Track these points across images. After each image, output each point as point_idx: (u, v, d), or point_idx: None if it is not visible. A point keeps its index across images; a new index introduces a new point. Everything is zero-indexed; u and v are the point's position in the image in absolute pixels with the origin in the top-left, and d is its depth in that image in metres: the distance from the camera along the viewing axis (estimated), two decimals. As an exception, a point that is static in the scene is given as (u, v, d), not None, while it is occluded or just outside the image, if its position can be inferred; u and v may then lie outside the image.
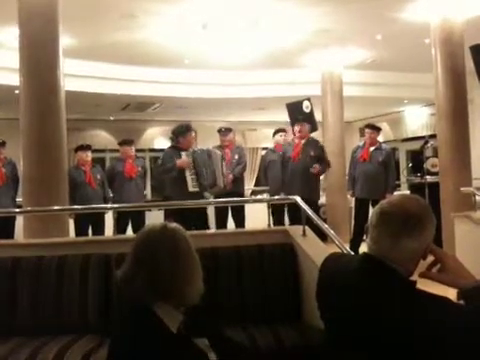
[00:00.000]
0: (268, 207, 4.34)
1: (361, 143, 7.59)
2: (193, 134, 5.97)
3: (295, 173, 6.75)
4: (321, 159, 6.86)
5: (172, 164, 5.65)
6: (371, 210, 7.10)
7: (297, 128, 7.01)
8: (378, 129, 7.41)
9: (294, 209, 4.42)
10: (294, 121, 7.40)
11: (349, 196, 8.17)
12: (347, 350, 1.61)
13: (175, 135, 5.84)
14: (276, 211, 6.63)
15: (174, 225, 1.74)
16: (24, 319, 3.23)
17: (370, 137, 7.20)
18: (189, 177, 5.60)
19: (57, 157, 5.38)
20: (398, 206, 1.61)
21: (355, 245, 6.71)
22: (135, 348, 1.52)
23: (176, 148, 5.80)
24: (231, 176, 6.68)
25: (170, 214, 5.30)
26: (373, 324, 1.51)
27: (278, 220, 6.89)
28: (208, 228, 5.96)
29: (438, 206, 6.88)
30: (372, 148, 7.17)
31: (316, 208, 6.81)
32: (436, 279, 1.62)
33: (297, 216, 4.05)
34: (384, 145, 7.47)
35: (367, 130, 7.32)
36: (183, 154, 5.67)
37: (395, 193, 7.19)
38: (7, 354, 2.82)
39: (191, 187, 5.59)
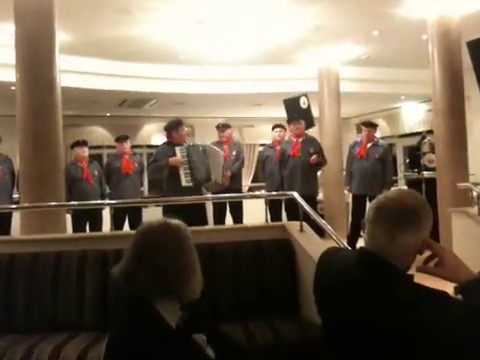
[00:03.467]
0: (266, 203, 4.33)
1: (358, 139, 7.59)
2: (185, 128, 5.94)
3: (295, 170, 6.80)
4: (318, 154, 6.88)
5: (164, 162, 5.61)
6: (368, 206, 7.12)
7: (293, 126, 7.03)
8: (375, 126, 7.41)
9: (292, 205, 4.40)
10: (289, 119, 7.40)
11: (346, 192, 8.17)
12: (345, 345, 1.61)
13: (167, 130, 5.82)
14: (273, 207, 6.63)
15: (175, 222, 1.73)
16: (20, 316, 3.22)
17: (367, 135, 7.20)
18: (182, 172, 5.56)
19: (53, 153, 5.36)
20: (395, 200, 1.61)
21: (352, 241, 6.72)
22: (136, 344, 1.52)
23: (170, 144, 5.77)
24: (229, 172, 6.66)
25: (167, 210, 5.25)
26: (371, 319, 1.51)
27: (276, 216, 6.90)
28: (206, 224, 5.94)
29: (435, 201, 6.90)
30: (369, 144, 7.17)
31: (315, 204, 6.84)
32: (434, 273, 1.62)
33: (294, 212, 4.05)
34: (381, 141, 7.47)
35: (364, 128, 7.32)
36: (177, 149, 5.63)
37: (392, 188, 7.20)
38: (3, 351, 2.81)
39: (184, 182, 5.54)
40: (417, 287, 1.51)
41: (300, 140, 6.93)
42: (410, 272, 1.59)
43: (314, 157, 6.68)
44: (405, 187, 8.67)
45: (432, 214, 1.63)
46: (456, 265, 1.60)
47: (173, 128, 5.76)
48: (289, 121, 7.31)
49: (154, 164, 5.76)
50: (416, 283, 1.53)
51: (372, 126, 7.32)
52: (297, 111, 8.35)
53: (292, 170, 6.84)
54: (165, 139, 5.95)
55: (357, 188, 7.16)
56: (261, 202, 4.84)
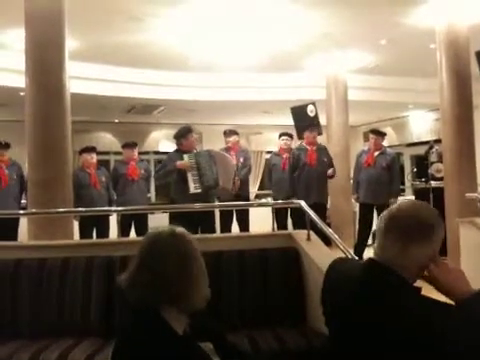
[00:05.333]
0: (272, 211, 4.32)
1: (366, 147, 7.58)
2: (195, 135, 5.94)
3: (311, 178, 6.90)
4: (331, 165, 7.11)
5: (172, 166, 5.61)
6: (375, 215, 7.12)
7: (310, 134, 7.10)
8: (383, 134, 7.40)
9: (298, 213, 4.40)
10: (304, 128, 7.44)
11: (353, 200, 8.16)
12: (351, 356, 1.60)
13: (177, 138, 5.82)
14: (279, 215, 6.62)
15: (181, 230, 1.73)
16: (26, 321, 3.22)
17: (375, 143, 7.19)
18: (191, 178, 5.54)
19: (62, 159, 5.38)
20: (409, 212, 1.60)
21: (359, 250, 6.69)
22: (142, 350, 1.52)
23: (179, 151, 5.77)
24: (237, 179, 6.63)
25: (174, 217, 5.24)
26: (377, 330, 1.50)
27: (282, 224, 6.89)
28: (214, 231, 5.92)
29: (443, 212, 6.85)
30: (377, 153, 7.16)
31: (325, 211, 6.91)
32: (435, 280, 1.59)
33: (301, 219, 4.04)
34: (389, 150, 7.45)
35: (371, 135, 7.31)
36: (185, 156, 5.62)
37: (399, 198, 7.17)
38: (9, 356, 2.82)
39: (193, 188, 5.52)
40: (424, 299, 1.51)
41: (315, 148, 7.00)
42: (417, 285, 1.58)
43: (331, 171, 6.93)
44: (412, 197, 8.63)
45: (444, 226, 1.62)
46: (452, 286, 1.58)
47: (182, 135, 5.76)
48: (304, 129, 7.35)
49: (162, 169, 5.78)
50: (423, 295, 1.52)
51: (380, 134, 7.31)
52: (304, 119, 8.36)
53: (308, 178, 6.92)
54: (174, 146, 5.95)
55: (364, 196, 7.15)
56: (268, 209, 4.83)
